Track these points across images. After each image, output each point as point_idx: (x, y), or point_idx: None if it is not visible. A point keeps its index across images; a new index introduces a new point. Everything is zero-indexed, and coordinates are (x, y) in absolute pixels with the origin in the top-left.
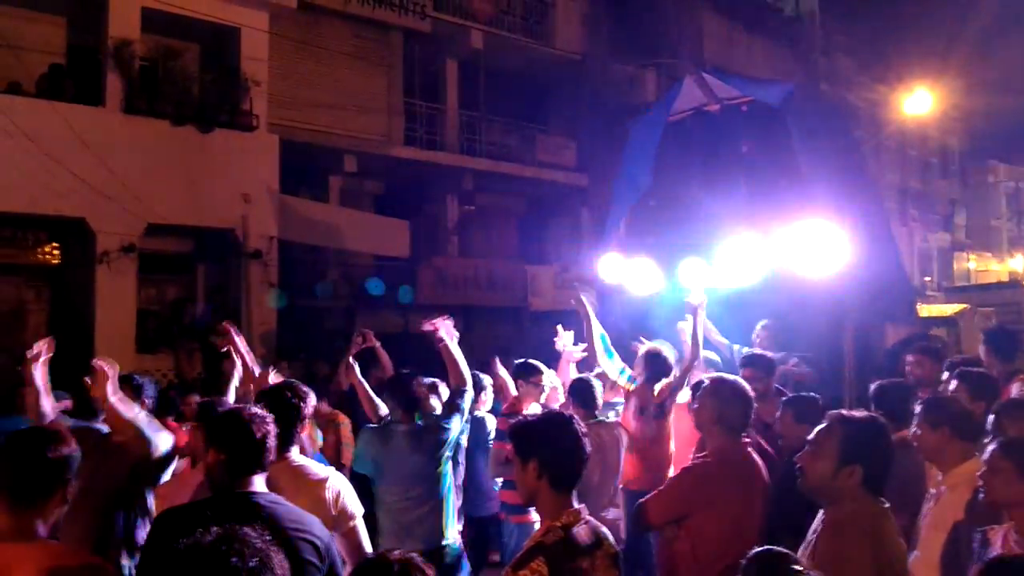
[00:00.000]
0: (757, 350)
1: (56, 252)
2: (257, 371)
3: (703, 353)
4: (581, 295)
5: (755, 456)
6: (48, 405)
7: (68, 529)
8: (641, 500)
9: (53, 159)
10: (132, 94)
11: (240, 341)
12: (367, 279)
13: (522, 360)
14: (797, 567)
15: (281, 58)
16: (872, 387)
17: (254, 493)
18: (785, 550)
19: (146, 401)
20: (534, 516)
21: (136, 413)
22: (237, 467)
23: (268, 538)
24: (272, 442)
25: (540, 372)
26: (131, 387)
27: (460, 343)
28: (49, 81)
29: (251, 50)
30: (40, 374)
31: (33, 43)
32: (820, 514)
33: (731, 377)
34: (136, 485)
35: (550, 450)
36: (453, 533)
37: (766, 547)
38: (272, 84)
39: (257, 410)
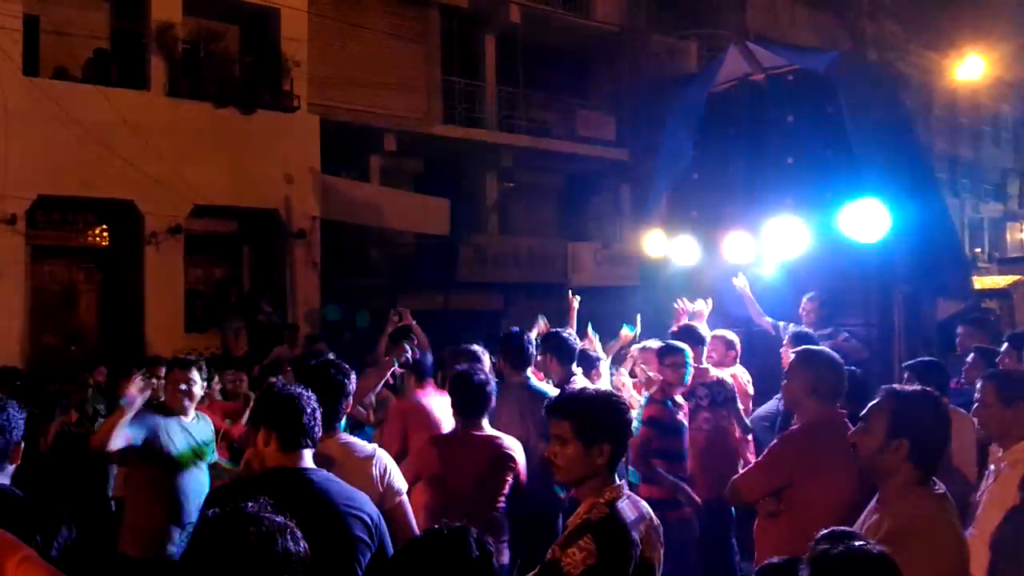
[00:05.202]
0: (804, 327)
1: (105, 234)
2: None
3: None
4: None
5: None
6: None
7: None
8: (734, 477)
9: (101, 143)
10: (175, 77)
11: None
12: (408, 260)
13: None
14: (863, 543)
15: (320, 38)
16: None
17: (306, 469)
18: (851, 529)
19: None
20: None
21: None
22: (287, 443)
23: (268, 507)
24: (319, 418)
25: (598, 360)
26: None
27: (500, 320)
28: (95, 66)
29: (291, 31)
30: None
31: (78, 29)
32: (875, 499)
33: (819, 347)
34: None
35: (618, 433)
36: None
37: (830, 529)
38: (311, 64)
39: (300, 388)
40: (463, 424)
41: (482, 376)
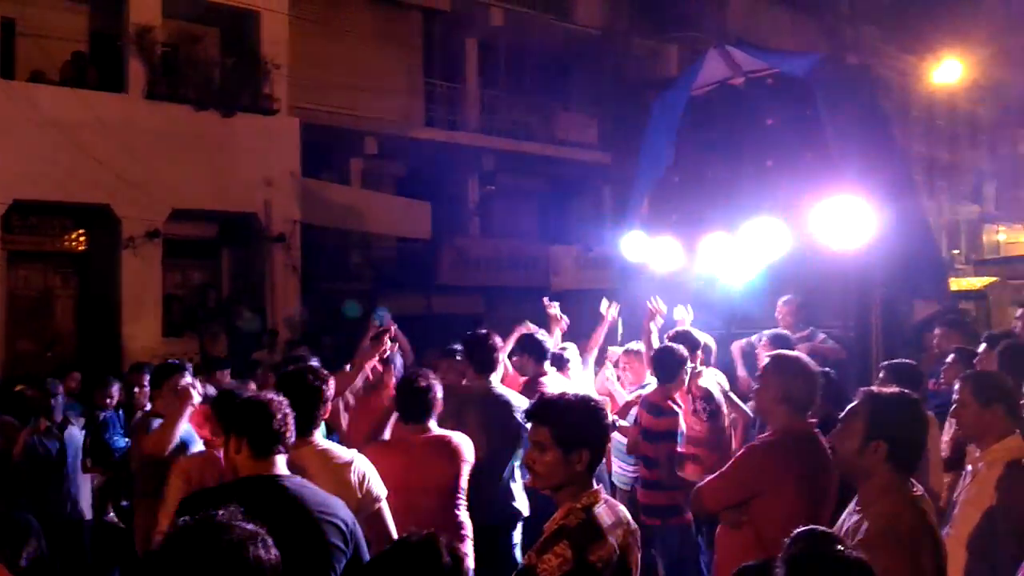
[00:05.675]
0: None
1: (82, 239)
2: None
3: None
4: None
5: (821, 436)
6: None
7: None
8: (698, 485)
9: (78, 146)
10: (154, 80)
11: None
12: (389, 264)
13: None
14: (840, 547)
15: (301, 41)
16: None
17: (279, 476)
18: (828, 530)
19: None
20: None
21: None
22: (258, 450)
23: (240, 515)
24: (291, 423)
25: (568, 361)
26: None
27: (481, 323)
28: (72, 69)
29: (271, 33)
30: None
31: (56, 31)
32: (854, 501)
33: (793, 353)
34: None
35: (597, 439)
36: (520, 506)
37: (808, 527)
38: (292, 67)
39: (271, 394)
40: (407, 428)
41: (423, 383)
